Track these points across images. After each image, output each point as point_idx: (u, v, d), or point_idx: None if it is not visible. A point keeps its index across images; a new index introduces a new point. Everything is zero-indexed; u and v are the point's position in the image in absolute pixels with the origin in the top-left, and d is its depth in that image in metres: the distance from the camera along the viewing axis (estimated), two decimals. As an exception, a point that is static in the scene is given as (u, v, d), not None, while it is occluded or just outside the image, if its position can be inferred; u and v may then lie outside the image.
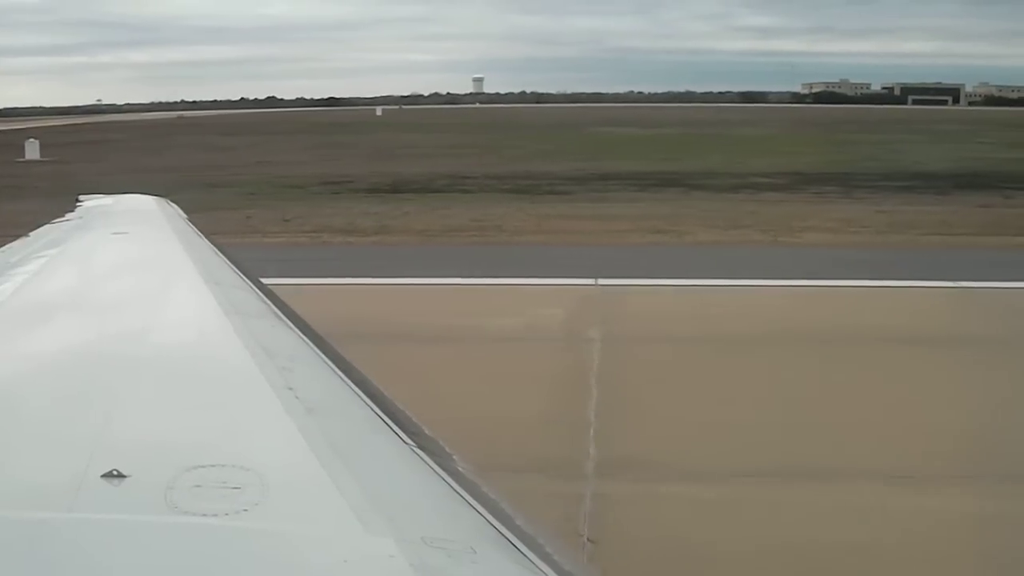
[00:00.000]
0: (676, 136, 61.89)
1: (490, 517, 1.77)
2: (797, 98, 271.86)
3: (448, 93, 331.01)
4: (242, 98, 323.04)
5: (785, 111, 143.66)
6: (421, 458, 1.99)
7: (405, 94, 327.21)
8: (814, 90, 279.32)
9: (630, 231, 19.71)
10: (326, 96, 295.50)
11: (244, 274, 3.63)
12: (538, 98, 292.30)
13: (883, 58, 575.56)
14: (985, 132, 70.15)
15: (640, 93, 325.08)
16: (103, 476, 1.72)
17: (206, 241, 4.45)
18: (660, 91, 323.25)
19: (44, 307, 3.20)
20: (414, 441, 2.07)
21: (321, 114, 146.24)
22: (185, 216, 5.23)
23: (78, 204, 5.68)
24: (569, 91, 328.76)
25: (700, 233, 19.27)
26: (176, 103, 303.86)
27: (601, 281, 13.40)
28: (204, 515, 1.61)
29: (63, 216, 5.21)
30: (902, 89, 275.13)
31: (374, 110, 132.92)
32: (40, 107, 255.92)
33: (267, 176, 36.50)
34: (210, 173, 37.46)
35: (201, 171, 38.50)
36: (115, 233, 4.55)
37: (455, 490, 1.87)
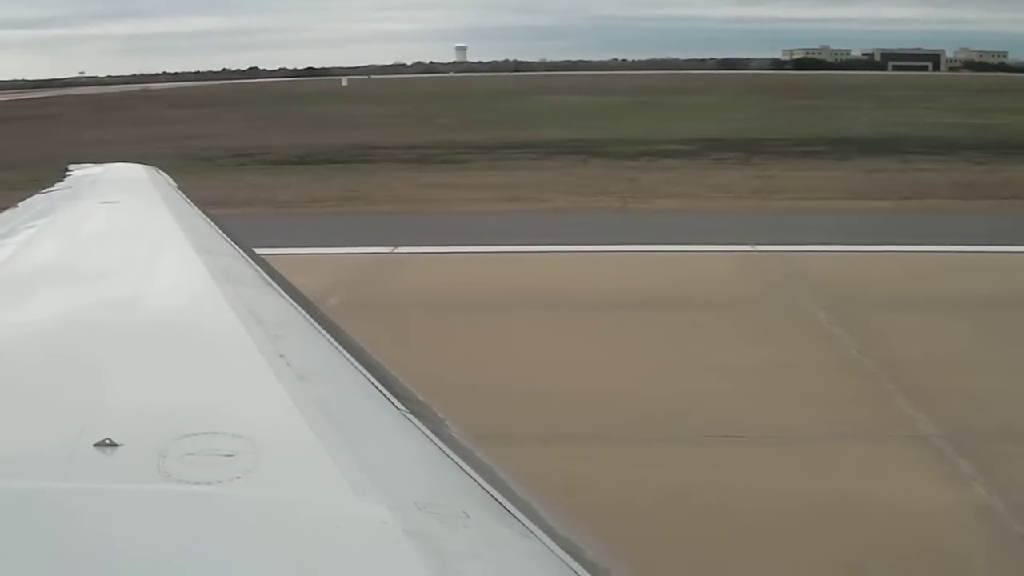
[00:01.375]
0: (620, 104, 61.65)
1: (483, 482, 1.77)
2: (777, 65, 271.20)
3: (431, 62, 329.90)
4: (224, 69, 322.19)
5: (753, 77, 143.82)
6: (413, 424, 1.98)
7: (388, 63, 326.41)
8: (794, 56, 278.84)
9: (490, 199, 19.74)
10: (305, 67, 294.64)
11: (235, 243, 3.63)
12: (517, 67, 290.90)
13: (869, 24, 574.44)
14: (939, 98, 70.09)
15: (624, 61, 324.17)
16: (95, 445, 1.71)
17: (196, 210, 4.42)
18: (644, 59, 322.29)
19: (35, 277, 3.20)
20: (406, 407, 2.06)
21: (289, 85, 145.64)
22: (175, 185, 5.22)
23: (67, 173, 5.63)
24: (553, 59, 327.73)
25: (557, 200, 19.31)
26: (158, 75, 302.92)
27: (399, 249, 13.46)
28: (197, 483, 1.60)
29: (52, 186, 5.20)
30: (882, 55, 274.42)
31: (340, 81, 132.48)
32: (23, 80, 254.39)
33: (187, 148, 36.37)
34: (134, 146, 37.04)
35: (127, 144, 38.22)
36: (105, 202, 4.55)
37: (448, 455, 1.86)
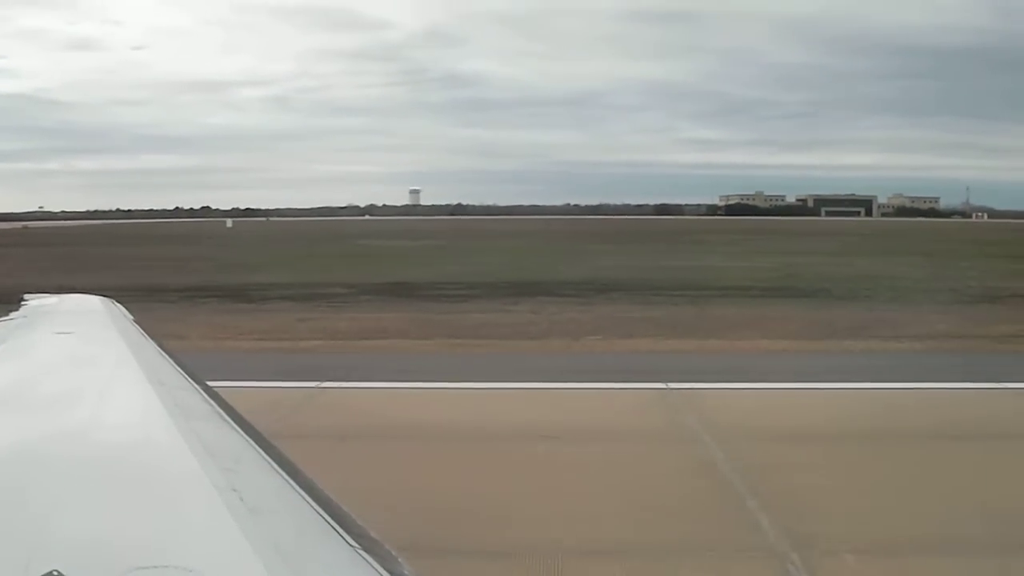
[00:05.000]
0: (415, 248, 64.16)
1: None
2: (711, 210, 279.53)
3: (383, 204, 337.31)
4: (177, 207, 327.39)
5: (640, 223, 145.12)
6: (366, 560, 1.97)
7: (342, 205, 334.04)
8: (729, 202, 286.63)
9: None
10: (245, 207, 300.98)
11: (190, 375, 3.67)
12: (454, 210, 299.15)
13: (816, 170, 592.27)
14: (769, 242, 72.09)
15: (576, 205, 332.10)
16: None
17: (151, 342, 4.43)
18: (594, 203, 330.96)
19: None
20: (359, 544, 2.05)
21: (183, 225, 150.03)
22: (131, 316, 5.29)
23: (22, 303, 5.66)
24: (505, 203, 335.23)
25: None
26: (112, 211, 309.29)
27: None
28: None
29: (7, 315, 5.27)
30: (815, 200, 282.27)
31: (225, 222, 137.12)
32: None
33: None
34: None
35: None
36: (59, 332, 4.56)
37: None
